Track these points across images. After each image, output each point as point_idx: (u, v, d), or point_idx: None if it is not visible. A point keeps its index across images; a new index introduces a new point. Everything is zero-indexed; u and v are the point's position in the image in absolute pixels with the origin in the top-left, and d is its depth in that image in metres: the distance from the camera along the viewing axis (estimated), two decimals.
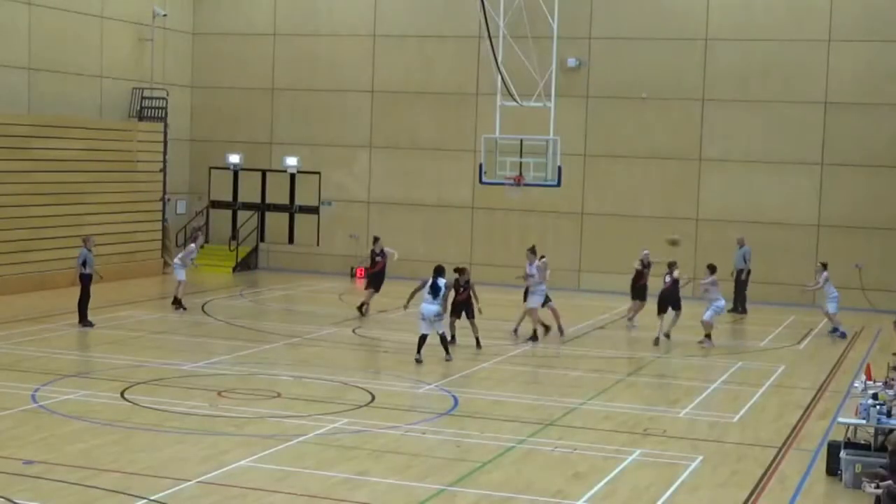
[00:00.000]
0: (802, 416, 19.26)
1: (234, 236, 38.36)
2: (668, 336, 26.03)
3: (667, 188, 34.99)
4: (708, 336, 25.69)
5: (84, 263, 25.56)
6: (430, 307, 22.37)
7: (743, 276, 31.46)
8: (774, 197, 34.08)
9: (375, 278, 28.83)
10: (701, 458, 16.19)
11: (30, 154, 31.11)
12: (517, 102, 30.76)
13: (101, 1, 34.87)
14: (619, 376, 22.23)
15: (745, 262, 31.50)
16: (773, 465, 16.08)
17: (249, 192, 38.86)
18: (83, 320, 25.58)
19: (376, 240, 29.37)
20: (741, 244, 31.76)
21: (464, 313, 24.40)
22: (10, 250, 30.34)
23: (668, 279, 26.30)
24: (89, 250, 25.73)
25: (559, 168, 30.46)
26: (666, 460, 16.08)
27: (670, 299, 26.17)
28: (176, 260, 29.03)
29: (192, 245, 29.32)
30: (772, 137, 34.15)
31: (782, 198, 34.01)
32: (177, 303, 28.36)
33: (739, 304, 31.33)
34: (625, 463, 15.82)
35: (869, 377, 17.09)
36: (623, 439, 17.17)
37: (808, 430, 18.21)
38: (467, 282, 24.27)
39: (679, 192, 34.90)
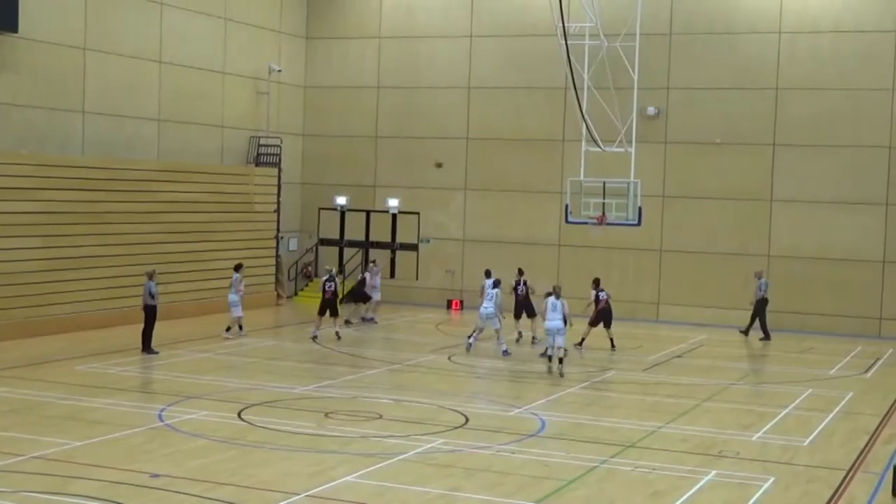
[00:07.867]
0: (869, 440, 18.84)
1: (341, 271, 38.58)
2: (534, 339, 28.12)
3: (740, 226, 34.55)
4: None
5: (151, 295, 25.48)
6: None
7: (760, 306, 31.36)
8: (842, 235, 33.49)
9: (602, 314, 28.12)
10: (773, 479, 15.90)
11: (159, 196, 31.65)
12: (600, 148, 30.63)
13: (222, 58, 35.52)
14: (696, 401, 21.94)
15: (762, 291, 31.32)
16: (842, 486, 15.74)
17: (355, 230, 39.01)
18: (147, 348, 25.36)
19: (597, 282, 28.87)
20: (759, 276, 31.59)
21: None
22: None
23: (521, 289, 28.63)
24: (154, 283, 25.62)
25: (639, 208, 30.22)
26: (739, 480, 15.81)
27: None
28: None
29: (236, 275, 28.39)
30: (839, 179, 33.57)
31: (849, 235, 33.41)
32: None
33: (763, 332, 31.32)
34: (701, 483, 15.59)
35: None
36: (698, 460, 16.93)
37: (874, 454, 17.80)
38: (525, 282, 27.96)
39: (751, 230, 34.45)
